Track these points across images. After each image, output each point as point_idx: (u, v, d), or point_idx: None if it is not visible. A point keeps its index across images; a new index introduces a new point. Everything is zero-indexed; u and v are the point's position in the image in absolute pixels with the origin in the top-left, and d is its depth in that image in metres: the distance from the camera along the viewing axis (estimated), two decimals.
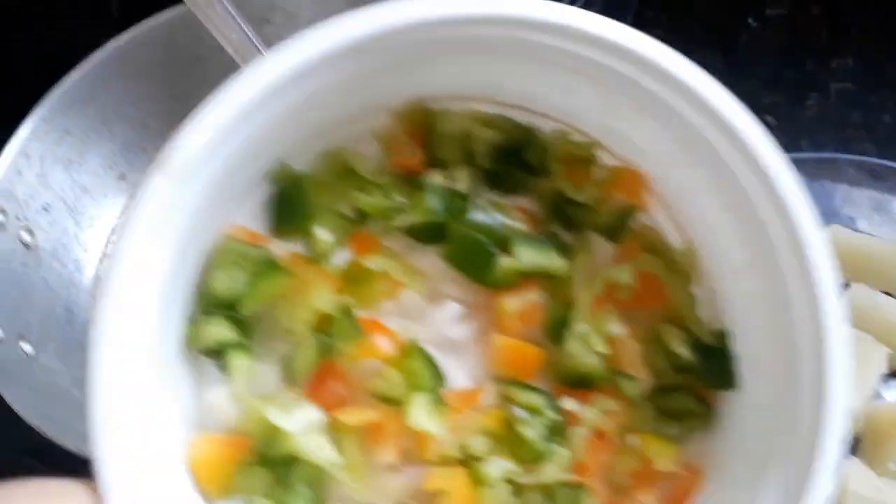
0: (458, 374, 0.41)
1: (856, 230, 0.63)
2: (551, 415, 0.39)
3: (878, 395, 0.60)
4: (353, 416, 0.38)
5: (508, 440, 0.39)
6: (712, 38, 0.68)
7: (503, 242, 0.40)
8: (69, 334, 0.63)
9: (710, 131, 0.36)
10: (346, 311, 0.39)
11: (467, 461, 0.38)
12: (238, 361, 0.39)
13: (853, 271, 0.60)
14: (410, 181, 0.42)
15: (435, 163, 0.43)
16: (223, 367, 0.39)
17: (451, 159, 0.42)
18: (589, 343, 0.40)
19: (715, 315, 0.41)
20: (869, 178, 0.63)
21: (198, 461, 0.38)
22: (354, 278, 0.40)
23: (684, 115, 0.36)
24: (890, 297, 0.61)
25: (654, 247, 0.42)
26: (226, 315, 0.39)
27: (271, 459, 0.38)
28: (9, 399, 0.54)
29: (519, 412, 0.39)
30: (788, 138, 0.65)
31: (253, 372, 0.39)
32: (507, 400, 0.40)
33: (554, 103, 0.41)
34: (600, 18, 0.34)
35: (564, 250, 0.42)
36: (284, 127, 0.38)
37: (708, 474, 0.40)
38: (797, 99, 0.67)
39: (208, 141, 0.33)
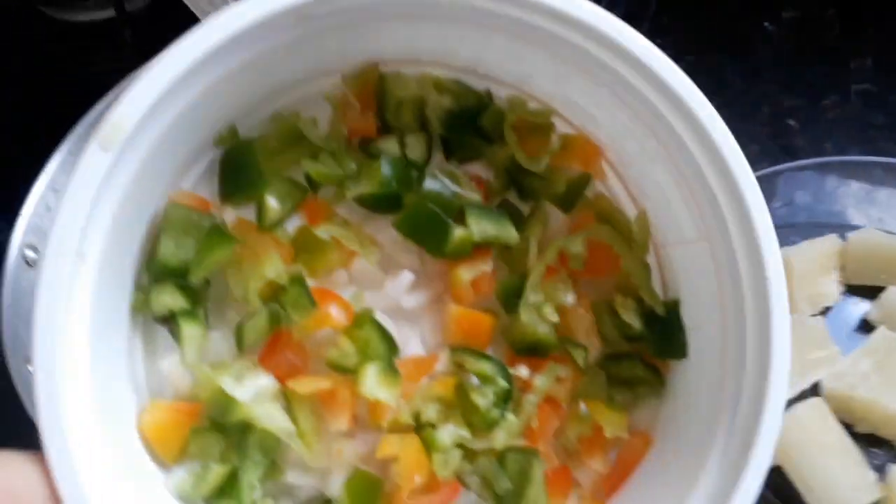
0: (413, 343, 0.41)
1: (886, 231, 0.63)
2: (502, 383, 0.39)
3: None
4: (306, 385, 0.38)
5: (461, 407, 0.39)
6: (728, 43, 0.67)
7: (457, 212, 0.40)
8: None
9: (660, 102, 0.36)
10: (298, 281, 0.38)
11: (420, 428, 0.39)
12: (189, 329, 0.38)
13: (888, 273, 0.61)
14: (364, 148, 0.42)
15: (389, 129, 0.42)
16: (175, 335, 0.39)
17: (405, 125, 0.42)
18: (541, 312, 0.40)
19: (666, 285, 0.42)
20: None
21: (151, 428, 0.38)
22: (306, 247, 0.40)
23: (635, 85, 0.36)
24: None
25: (608, 216, 0.42)
26: (176, 283, 0.38)
27: (225, 426, 0.38)
28: None
29: (471, 380, 0.40)
30: (812, 141, 0.66)
31: (205, 340, 0.39)
32: (460, 368, 0.40)
33: (507, 70, 0.40)
34: None
35: (519, 219, 0.42)
36: (231, 91, 0.37)
37: (656, 440, 0.41)
38: (818, 101, 0.67)
39: (145, 110, 0.32)
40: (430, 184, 0.40)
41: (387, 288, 0.41)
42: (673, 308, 0.40)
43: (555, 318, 0.40)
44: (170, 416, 0.38)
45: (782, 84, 0.67)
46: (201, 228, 0.38)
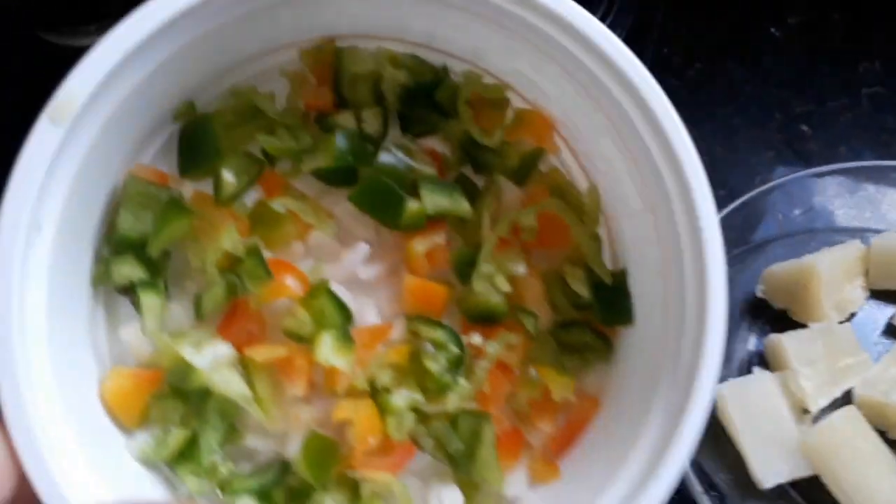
0: (370, 313, 0.42)
1: None
2: (454, 349, 0.40)
3: None
4: (263, 353, 0.39)
5: (415, 373, 0.41)
6: (736, 50, 0.67)
7: (412, 186, 0.41)
8: None
9: (606, 78, 0.36)
10: (254, 252, 0.39)
11: (375, 393, 0.40)
12: (148, 299, 0.39)
13: None
14: (321, 122, 0.43)
15: (345, 103, 0.43)
16: (136, 306, 0.40)
17: (361, 100, 0.43)
18: (494, 282, 0.41)
19: (615, 255, 0.43)
20: None
21: (113, 394, 0.39)
22: (262, 220, 0.41)
23: (582, 60, 0.37)
24: None
25: (561, 189, 0.43)
26: (135, 254, 0.39)
27: (185, 392, 0.39)
28: None
29: (426, 347, 0.41)
30: (826, 146, 0.66)
31: (164, 309, 0.40)
32: (414, 336, 0.42)
33: (461, 45, 0.41)
34: None
35: (474, 193, 0.43)
36: (186, 66, 0.38)
37: (604, 403, 0.42)
38: (829, 106, 0.67)
39: (96, 84, 0.33)
40: (384, 157, 0.41)
41: (344, 260, 0.42)
42: (620, 277, 0.42)
43: (507, 287, 0.41)
44: (131, 383, 0.39)
45: (792, 89, 0.67)
46: (159, 202, 0.39)
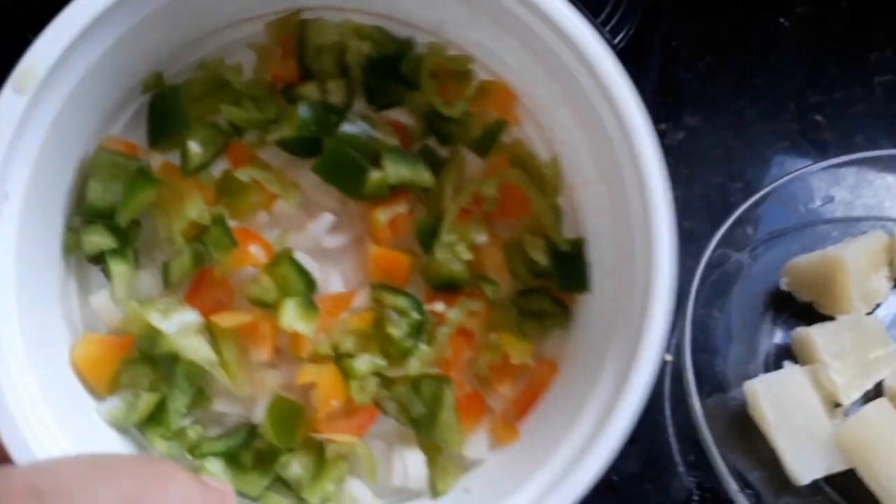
0: (335, 281, 0.44)
1: None
2: (416, 315, 0.42)
3: None
4: (228, 319, 0.40)
5: (378, 338, 0.42)
6: (745, 41, 0.66)
7: (375, 156, 0.42)
8: None
9: (561, 50, 0.37)
10: (220, 222, 0.40)
11: (339, 358, 0.42)
12: (117, 267, 0.40)
13: None
14: (287, 94, 0.43)
15: (311, 75, 0.44)
16: (106, 274, 0.41)
17: (326, 71, 0.43)
18: (455, 251, 0.43)
19: (576, 224, 0.44)
20: None
21: (84, 360, 0.40)
22: (228, 190, 0.42)
23: (538, 32, 0.37)
24: None
25: (523, 160, 0.44)
26: (105, 224, 0.40)
27: (154, 357, 0.40)
28: None
29: (389, 314, 0.42)
30: (841, 136, 0.65)
31: (133, 277, 0.41)
32: (378, 303, 0.43)
33: (423, 16, 0.42)
34: None
35: (438, 164, 0.44)
36: (152, 37, 0.39)
37: (563, 368, 0.44)
38: (842, 96, 0.66)
39: (59, 53, 0.33)
40: (347, 128, 0.42)
41: (309, 229, 0.43)
42: (578, 246, 0.43)
43: (468, 256, 0.43)
44: (102, 349, 0.40)
45: (804, 80, 0.66)
46: (128, 172, 0.40)
